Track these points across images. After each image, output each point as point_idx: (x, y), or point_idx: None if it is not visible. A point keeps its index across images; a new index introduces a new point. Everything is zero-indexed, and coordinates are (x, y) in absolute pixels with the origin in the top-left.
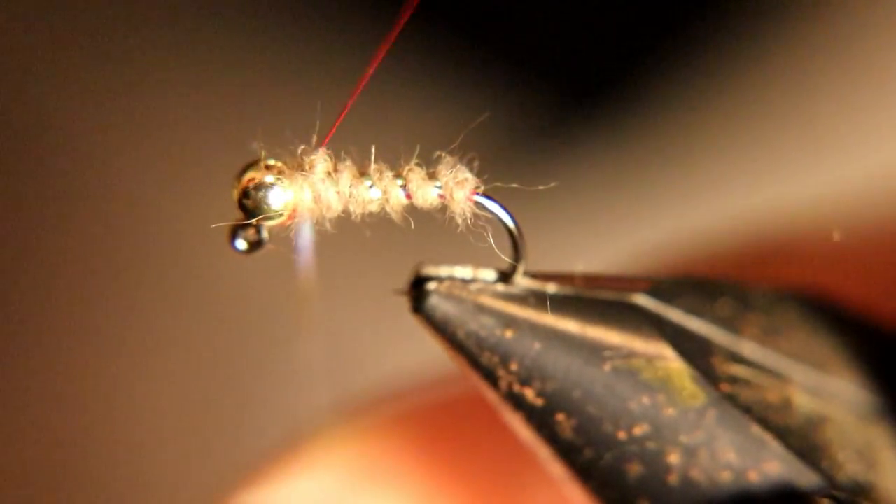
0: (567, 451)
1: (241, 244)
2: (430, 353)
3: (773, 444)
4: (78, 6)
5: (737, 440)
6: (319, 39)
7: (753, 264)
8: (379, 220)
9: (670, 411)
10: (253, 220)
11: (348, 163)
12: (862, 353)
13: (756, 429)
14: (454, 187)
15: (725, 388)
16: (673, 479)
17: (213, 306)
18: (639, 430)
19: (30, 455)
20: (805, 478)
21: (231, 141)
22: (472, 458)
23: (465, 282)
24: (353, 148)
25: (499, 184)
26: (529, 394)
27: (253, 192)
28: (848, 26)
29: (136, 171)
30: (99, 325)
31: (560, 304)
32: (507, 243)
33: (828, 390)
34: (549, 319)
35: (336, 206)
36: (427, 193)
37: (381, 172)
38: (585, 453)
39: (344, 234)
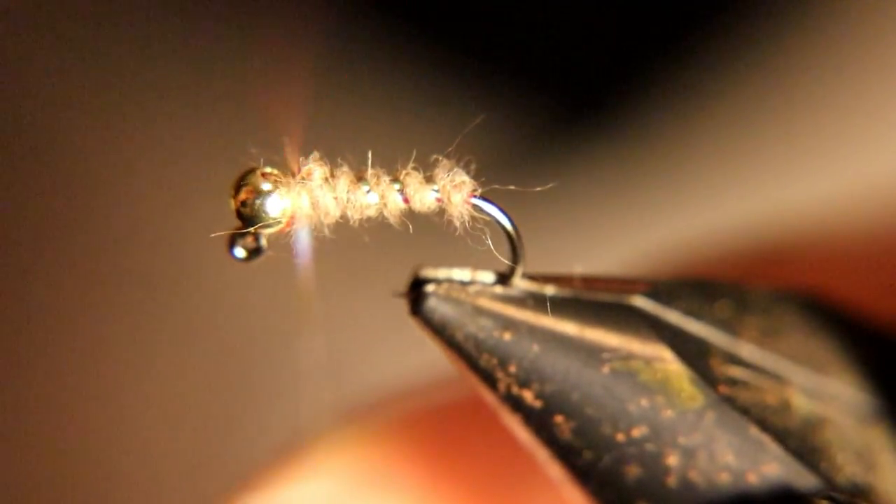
0: (566, 453)
1: (240, 252)
2: (429, 356)
3: (772, 446)
4: (73, 12)
5: (735, 442)
6: (317, 44)
7: (752, 266)
8: (377, 225)
9: (669, 413)
10: (251, 229)
11: (345, 168)
12: (860, 354)
13: (755, 430)
14: (451, 191)
15: (724, 389)
16: (671, 480)
17: (213, 311)
18: (637, 432)
19: (31, 459)
20: (804, 479)
21: (228, 146)
22: (472, 462)
23: (463, 284)
24: (349, 153)
25: (496, 186)
26: (528, 396)
27: (250, 201)
28: (845, 30)
29: (136, 178)
30: (100, 332)
31: (558, 306)
32: (506, 246)
33: (826, 392)
34: (548, 321)
35: (334, 212)
36: (424, 197)
37: (379, 177)
38: (584, 455)
39: (342, 239)
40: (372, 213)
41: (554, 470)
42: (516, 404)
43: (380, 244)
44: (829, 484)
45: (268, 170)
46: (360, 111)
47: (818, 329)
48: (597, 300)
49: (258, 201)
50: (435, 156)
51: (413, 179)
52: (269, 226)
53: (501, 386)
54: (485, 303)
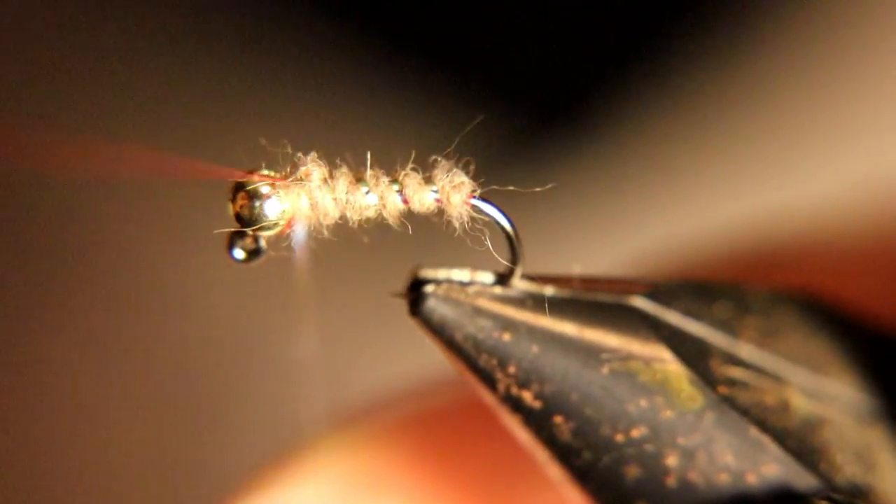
0: (565, 454)
1: (239, 254)
2: (428, 357)
3: (772, 447)
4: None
5: (735, 442)
6: (316, 47)
7: (751, 267)
8: (376, 226)
9: (668, 414)
10: (249, 230)
11: (344, 169)
12: (860, 355)
13: (754, 431)
14: (451, 191)
15: (723, 390)
16: (671, 481)
17: (210, 311)
18: (637, 433)
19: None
20: (803, 480)
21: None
22: (468, 466)
23: (462, 284)
24: (348, 154)
25: (495, 187)
26: (527, 396)
27: (249, 203)
28: (844, 29)
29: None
30: (86, 334)
31: (558, 307)
32: (505, 246)
33: (826, 392)
34: (547, 322)
35: (333, 213)
36: (424, 198)
37: (378, 178)
38: (583, 456)
39: (341, 240)
40: (371, 213)
41: (553, 470)
42: (516, 405)
43: (379, 245)
44: (829, 484)
45: (265, 172)
46: (359, 112)
47: (817, 329)
48: (596, 301)
49: (257, 203)
50: (434, 156)
51: (412, 180)
52: (268, 228)
53: (501, 386)
54: (484, 303)
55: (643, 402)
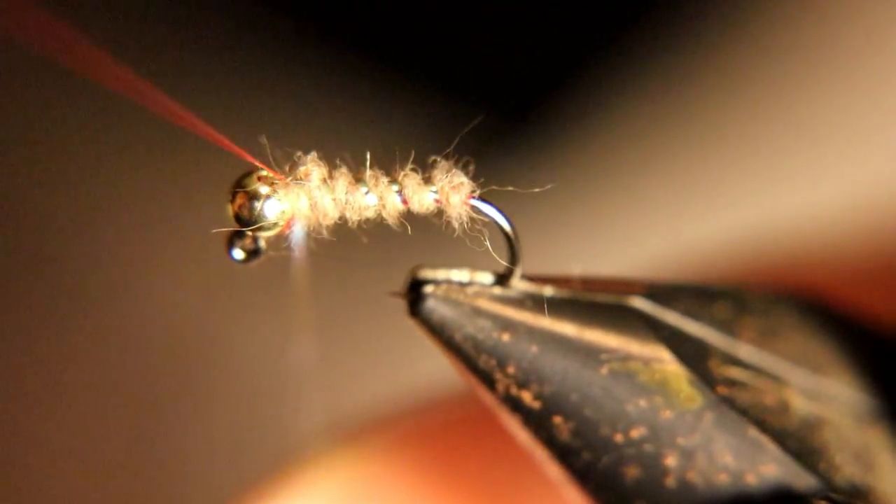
0: (564, 454)
1: (239, 254)
2: (428, 360)
3: (771, 447)
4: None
5: (734, 443)
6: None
7: (751, 267)
8: (375, 226)
9: (667, 414)
10: (248, 230)
11: (343, 170)
12: (859, 355)
13: (753, 431)
14: (450, 192)
15: (722, 390)
16: (670, 481)
17: (206, 312)
18: (636, 433)
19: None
20: (802, 480)
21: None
22: (469, 477)
23: (462, 285)
24: (348, 154)
25: (495, 187)
26: (527, 396)
27: (248, 204)
28: (847, 35)
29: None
30: (67, 343)
31: (557, 307)
32: (504, 247)
33: (825, 393)
34: (546, 322)
35: (332, 214)
36: (423, 198)
37: (377, 178)
38: (583, 456)
39: (340, 240)
40: (370, 214)
41: (553, 471)
42: (515, 405)
43: (378, 245)
44: (828, 484)
45: (264, 172)
46: (359, 112)
47: (817, 330)
48: (595, 301)
49: (256, 204)
50: (433, 157)
51: (411, 181)
52: (267, 228)
53: (500, 387)
54: (483, 304)
55: (642, 403)
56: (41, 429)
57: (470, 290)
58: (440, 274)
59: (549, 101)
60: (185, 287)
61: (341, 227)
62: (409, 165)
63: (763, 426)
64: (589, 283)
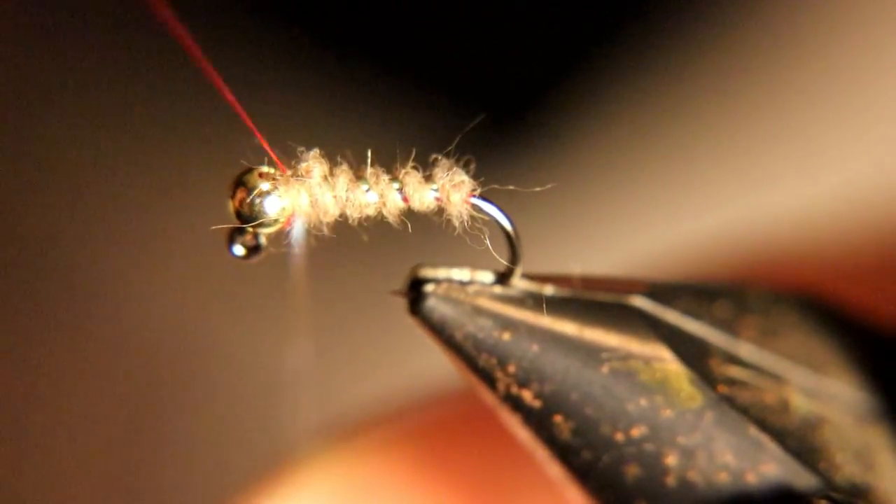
0: (565, 453)
1: (239, 250)
2: (427, 358)
3: (771, 446)
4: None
5: (734, 442)
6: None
7: (751, 267)
8: (376, 225)
9: (668, 413)
10: (249, 226)
11: (344, 167)
12: (859, 354)
13: (753, 430)
14: (451, 190)
15: (723, 389)
16: (670, 480)
17: (202, 312)
18: (636, 432)
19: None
20: (802, 479)
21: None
22: (464, 478)
23: (462, 284)
24: (349, 152)
25: (495, 186)
26: (527, 395)
27: (249, 201)
28: (843, 32)
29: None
30: (58, 343)
31: (557, 306)
32: (505, 245)
33: (825, 392)
34: (547, 321)
35: (333, 211)
36: (424, 197)
37: (378, 176)
38: (583, 455)
39: (340, 238)
40: (371, 212)
41: (553, 469)
42: (515, 404)
43: (378, 244)
44: (828, 484)
45: (265, 169)
46: (360, 110)
47: (817, 329)
48: (596, 300)
49: (257, 200)
50: (434, 155)
51: (412, 179)
52: (267, 225)
53: (501, 386)
54: (484, 303)
55: (643, 402)
56: (36, 428)
57: (470, 288)
58: (441, 273)
59: (550, 101)
60: (183, 287)
61: (341, 224)
62: (410, 163)
63: (763, 425)
64: (589, 282)
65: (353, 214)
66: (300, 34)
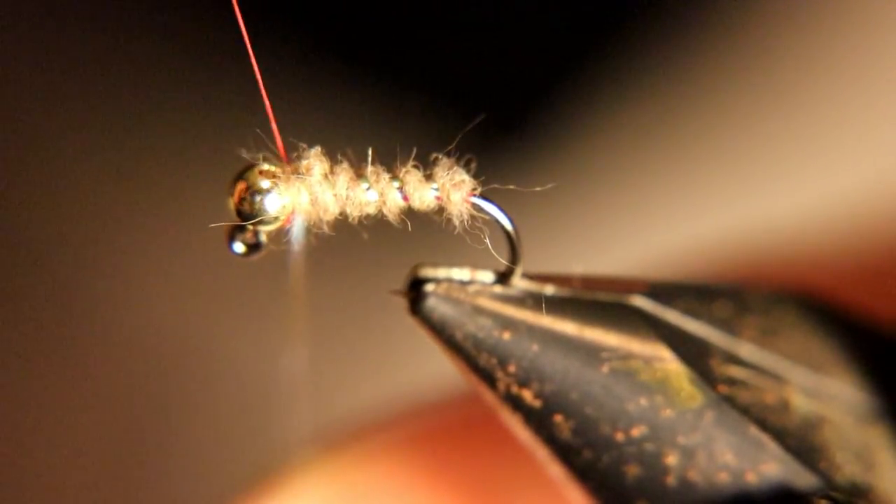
0: (565, 453)
1: (239, 247)
2: (424, 357)
3: (771, 446)
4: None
5: (735, 441)
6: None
7: (751, 266)
8: (376, 223)
9: (668, 413)
10: (249, 224)
11: (345, 165)
12: (859, 354)
13: (754, 430)
14: (451, 189)
15: (723, 389)
16: (671, 480)
17: (197, 315)
18: (637, 432)
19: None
20: (803, 479)
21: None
22: (463, 481)
23: (462, 283)
24: (349, 150)
25: (496, 185)
26: (527, 395)
27: (249, 199)
28: (842, 31)
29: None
30: (52, 347)
31: (558, 306)
32: (505, 245)
33: (826, 392)
34: (547, 321)
35: (333, 209)
36: (424, 195)
37: (378, 175)
38: (584, 454)
39: (339, 237)
40: (371, 210)
41: (553, 469)
42: (516, 404)
43: (377, 242)
44: (829, 483)
45: (266, 166)
46: (361, 108)
47: (817, 329)
48: (596, 300)
49: (257, 198)
50: (435, 154)
51: (413, 177)
52: (268, 222)
53: (501, 385)
54: (484, 302)
55: (643, 401)
56: (32, 431)
57: (471, 288)
58: (441, 272)
59: (551, 102)
60: (182, 289)
61: (341, 224)
62: (411, 162)
63: (764, 425)
64: (589, 282)
65: (354, 213)
66: (303, 32)
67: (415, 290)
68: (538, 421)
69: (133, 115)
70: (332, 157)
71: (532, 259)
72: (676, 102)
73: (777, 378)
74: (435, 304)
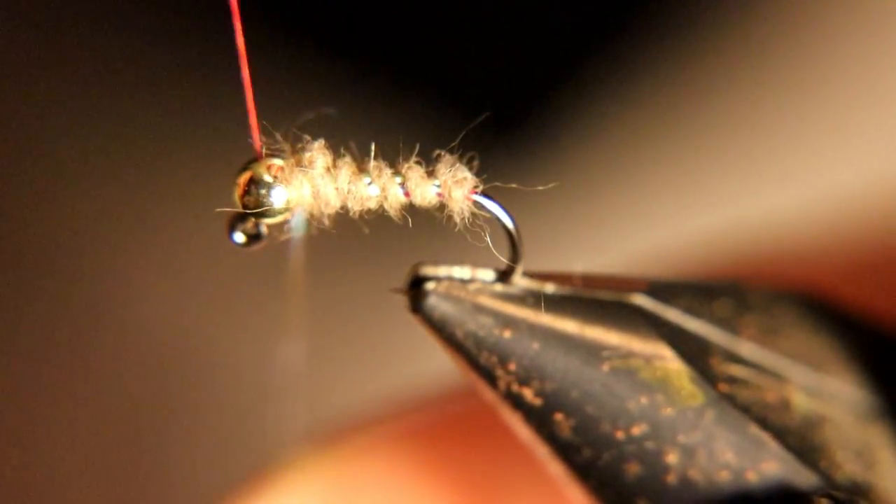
0: (565, 451)
1: (240, 237)
2: (424, 355)
3: (772, 444)
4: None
5: (735, 440)
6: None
7: (752, 265)
8: (377, 218)
9: (668, 411)
10: (251, 213)
11: (347, 159)
12: (860, 353)
13: (754, 429)
14: (453, 186)
15: (724, 388)
16: (671, 478)
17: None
18: (637, 430)
19: None
20: (803, 478)
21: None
22: (460, 478)
23: (463, 281)
24: (352, 145)
25: (498, 183)
26: (528, 393)
27: (253, 190)
28: (839, 30)
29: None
30: (43, 346)
31: (558, 304)
32: (506, 243)
33: (826, 390)
34: (548, 319)
35: (334, 203)
36: (426, 192)
37: (381, 170)
38: (584, 453)
39: (339, 233)
40: (372, 205)
41: (554, 468)
42: (516, 402)
43: (379, 239)
44: (829, 482)
45: (270, 160)
46: (364, 103)
47: (817, 327)
48: (597, 298)
49: (262, 191)
50: (437, 151)
51: (415, 173)
52: (271, 215)
53: (501, 384)
54: (485, 300)
55: (644, 400)
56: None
57: (471, 286)
58: (442, 270)
59: (554, 100)
60: (181, 286)
61: (342, 220)
62: (414, 158)
63: (764, 423)
64: (590, 281)
65: (355, 207)
66: (306, 29)
67: (415, 288)
68: (538, 419)
69: (133, 115)
70: (336, 151)
71: (533, 257)
72: (677, 102)
73: (777, 377)
74: (436, 302)
